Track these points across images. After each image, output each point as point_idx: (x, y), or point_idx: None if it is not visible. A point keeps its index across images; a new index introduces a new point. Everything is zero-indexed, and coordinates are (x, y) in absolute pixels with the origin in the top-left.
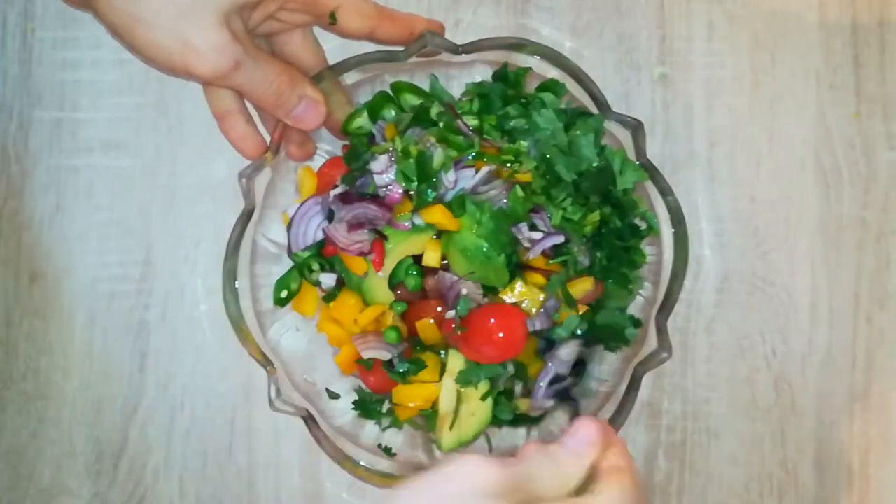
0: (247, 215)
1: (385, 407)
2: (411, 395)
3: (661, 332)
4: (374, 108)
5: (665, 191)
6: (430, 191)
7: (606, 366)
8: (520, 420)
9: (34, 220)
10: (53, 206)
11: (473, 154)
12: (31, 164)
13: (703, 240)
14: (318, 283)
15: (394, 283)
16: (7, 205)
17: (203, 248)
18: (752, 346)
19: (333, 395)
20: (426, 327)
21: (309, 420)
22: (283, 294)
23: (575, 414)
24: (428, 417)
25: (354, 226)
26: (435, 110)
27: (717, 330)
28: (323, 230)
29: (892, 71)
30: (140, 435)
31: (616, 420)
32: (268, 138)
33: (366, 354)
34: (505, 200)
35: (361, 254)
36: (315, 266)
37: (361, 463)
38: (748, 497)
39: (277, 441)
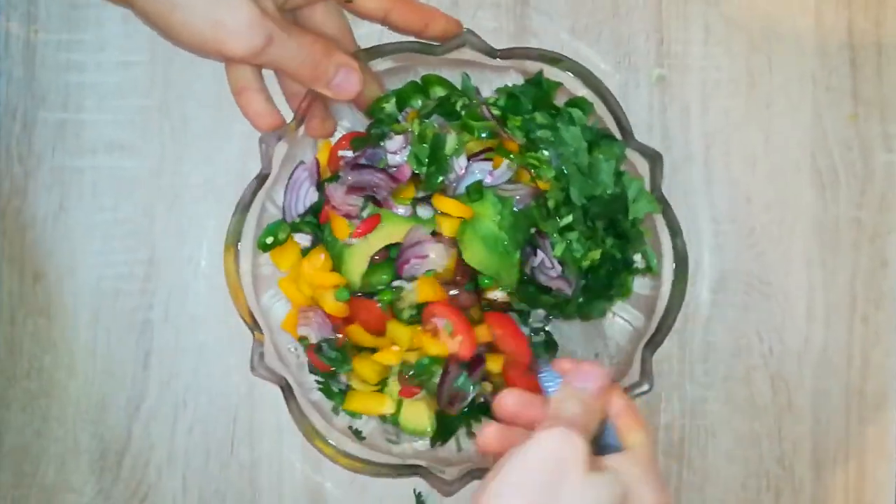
0: (262, 178)
1: (337, 387)
2: (361, 405)
3: (646, 364)
4: (402, 96)
5: (675, 230)
6: (438, 175)
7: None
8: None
9: (38, 219)
10: (57, 206)
11: (493, 147)
12: (34, 164)
13: (700, 240)
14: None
15: (370, 276)
16: (11, 204)
17: (207, 248)
18: (749, 346)
19: (313, 370)
20: (355, 331)
21: (286, 390)
22: (269, 240)
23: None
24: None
25: (354, 189)
26: (460, 102)
27: (714, 329)
28: (325, 188)
29: (888, 73)
30: (143, 432)
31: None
32: (288, 117)
33: (300, 330)
34: (531, 202)
35: (348, 216)
36: (307, 228)
37: (331, 441)
38: (745, 494)
39: (280, 438)
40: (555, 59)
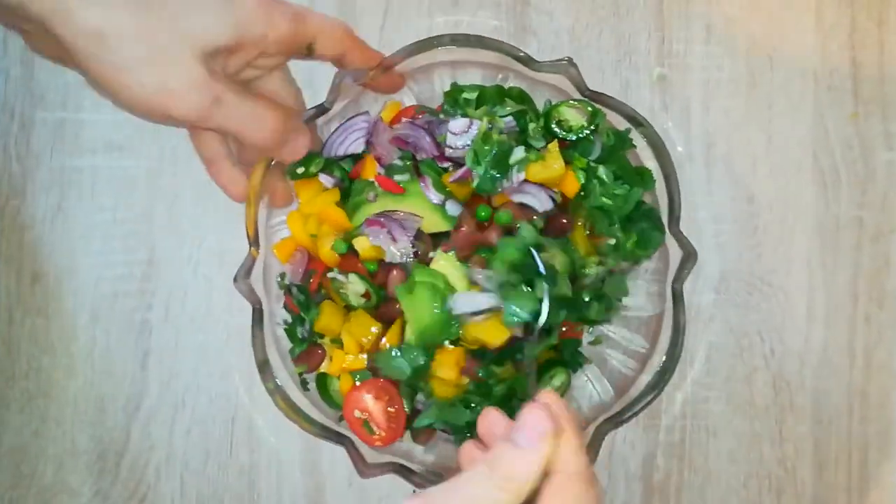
0: (259, 313)
1: (301, 334)
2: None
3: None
4: (485, 93)
5: (678, 328)
6: (498, 177)
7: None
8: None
9: (36, 219)
10: (55, 206)
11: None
12: (33, 164)
13: (701, 240)
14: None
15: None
16: (9, 204)
17: (205, 248)
18: (751, 346)
19: (287, 308)
20: (327, 312)
21: (257, 313)
22: (300, 170)
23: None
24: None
25: (399, 139)
26: (533, 125)
27: (716, 329)
28: (367, 133)
29: (889, 72)
30: (142, 433)
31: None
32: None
33: (285, 267)
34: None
35: (379, 161)
36: (337, 172)
37: (277, 381)
38: (747, 495)
39: (279, 440)
40: (638, 122)
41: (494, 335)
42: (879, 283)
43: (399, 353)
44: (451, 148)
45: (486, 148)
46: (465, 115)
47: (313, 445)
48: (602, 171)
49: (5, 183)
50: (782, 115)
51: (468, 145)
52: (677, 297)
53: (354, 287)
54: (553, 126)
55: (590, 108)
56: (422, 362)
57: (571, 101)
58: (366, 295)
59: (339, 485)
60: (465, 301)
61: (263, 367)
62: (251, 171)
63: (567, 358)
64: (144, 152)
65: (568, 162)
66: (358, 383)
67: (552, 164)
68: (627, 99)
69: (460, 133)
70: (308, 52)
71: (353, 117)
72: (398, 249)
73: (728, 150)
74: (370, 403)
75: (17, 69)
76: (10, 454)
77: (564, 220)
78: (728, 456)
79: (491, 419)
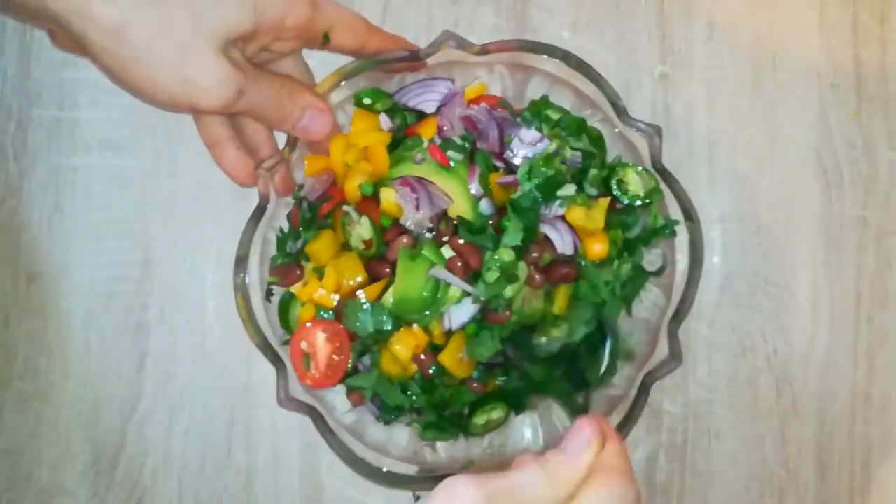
0: (261, 210)
1: (293, 249)
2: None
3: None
4: (565, 121)
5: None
6: (539, 200)
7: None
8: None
9: (32, 219)
10: (52, 205)
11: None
12: (29, 163)
13: (704, 240)
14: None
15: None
16: (5, 204)
17: (201, 248)
18: (754, 347)
19: (298, 197)
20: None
21: (258, 209)
22: (367, 101)
23: (576, 411)
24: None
25: (468, 119)
26: (595, 172)
27: (719, 330)
28: (443, 99)
29: (892, 69)
30: (138, 435)
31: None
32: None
33: (305, 181)
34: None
35: (440, 130)
36: (398, 119)
37: (247, 280)
38: (749, 498)
39: (276, 442)
40: (689, 215)
41: (460, 369)
42: (882, 283)
43: (370, 309)
44: (512, 152)
45: (543, 169)
46: (539, 130)
47: (312, 448)
48: (624, 267)
49: (2, 183)
50: (785, 114)
51: (528, 158)
52: (642, 390)
53: (362, 230)
54: (613, 182)
55: (654, 183)
56: (387, 328)
57: (640, 169)
58: (367, 243)
59: (337, 487)
60: (459, 313)
61: (241, 261)
62: (255, 155)
63: (511, 398)
64: (140, 151)
65: (608, 225)
66: (318, 318)
67: (595, 216)
68: (628, 98)
69: (528, 144)
70: (324, 41)
71: (437, 78)
72: (415, 218)
73: (731, 149)
74: (320, 342)
75: (13, 68)
76: (6, 456)
77: (567, 272)
78: (730, 458)
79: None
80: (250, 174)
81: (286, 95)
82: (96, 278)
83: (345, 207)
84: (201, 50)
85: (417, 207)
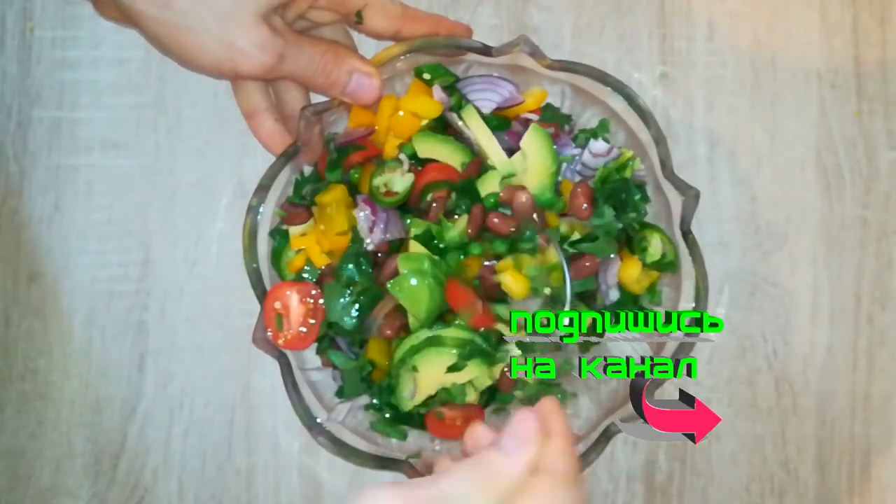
0: (295, 150)
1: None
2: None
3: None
4: (595, 131)
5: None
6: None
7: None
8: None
9: (33, 219)
10: (52, 205)
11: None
12: (29, 163)
13: (704, 240)
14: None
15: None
16: (6, 204)
17: (202, 248)
18: (754, 347)
19: (330, 137)
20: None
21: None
22: (426, 76)
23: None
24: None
25: (510, 102)
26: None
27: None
28: (501, 101)
29: (893, 69)
30: (139, 435)
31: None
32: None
33: (345, 133)
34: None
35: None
36: (453, 99)
37: (260, 210)
38: (749, 498)
39: (276, 442)
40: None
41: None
42: (882, 283)
43: (346, 303)
44: (584, 165)
45: (617, 178)
46: (607, 141)
47: (311, 449)
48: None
49: (3, 183)
50: (786, 114)
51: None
52: (603, 437)
53: (395, 181)
54: (636, 240)
55: (672, 257)
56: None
57: (666, 236)
58: (390, 193)
59: (336, 488)
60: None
61: (262, 189)
62: (290, 123)
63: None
64: (140, 150)
65: (632, 253)
66: (303, 276)
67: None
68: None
69: (597, 155)
70: (357, 20)
71: (504, 79)
72: (371, 238)
73: (732, 149)
74: (293, 303)
75: (13, 68)
76: (6, 456)
77: (588, 264)
78: (730, 458)
79: (477, 434)
80: (286, 145)
81: (331, 60)
82: (97, 278)
83: (386, 157)
84: (243, 16)
85: (371, 230)
